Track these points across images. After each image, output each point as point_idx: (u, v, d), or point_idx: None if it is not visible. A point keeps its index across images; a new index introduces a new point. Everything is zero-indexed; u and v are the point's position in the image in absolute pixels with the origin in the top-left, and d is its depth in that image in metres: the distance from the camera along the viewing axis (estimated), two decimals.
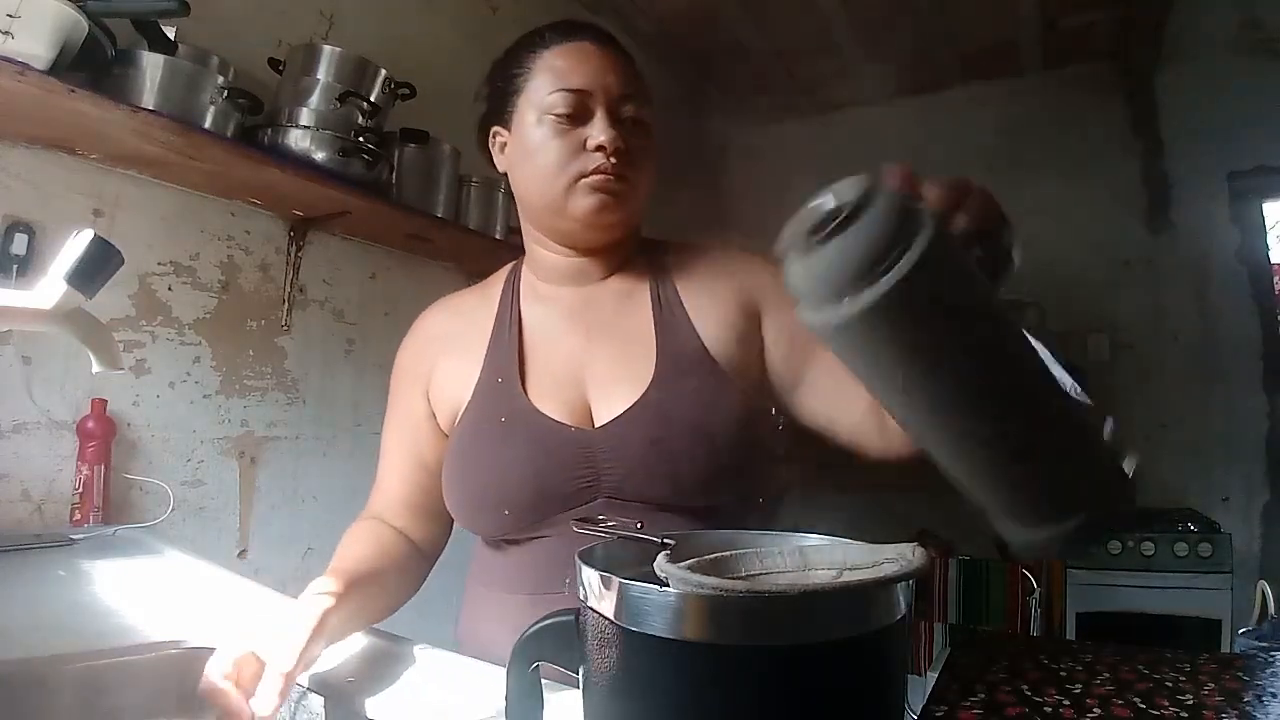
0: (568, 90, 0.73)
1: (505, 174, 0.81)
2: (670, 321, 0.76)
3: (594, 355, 0.76)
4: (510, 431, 0.73)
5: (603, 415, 0.73)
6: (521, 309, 0.81)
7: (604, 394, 0.74)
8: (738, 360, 0.75)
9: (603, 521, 0.46)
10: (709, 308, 0.77)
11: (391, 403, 0.85)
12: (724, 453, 0.70)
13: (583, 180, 0.72)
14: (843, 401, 0.74)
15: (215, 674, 0.51)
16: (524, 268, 0.85)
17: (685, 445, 0.69)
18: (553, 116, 0.73)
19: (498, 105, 0.80)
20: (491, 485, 0.72)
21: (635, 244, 0.84)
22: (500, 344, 0.78)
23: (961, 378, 0.39)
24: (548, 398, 0.74)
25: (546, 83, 0.74)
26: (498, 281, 0.86)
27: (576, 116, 0.73)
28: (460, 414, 0.78)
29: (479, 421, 0.75)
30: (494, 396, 0.75)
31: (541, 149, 0.73)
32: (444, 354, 0.82)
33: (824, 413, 0.77)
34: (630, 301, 0.79)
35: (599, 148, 0.71)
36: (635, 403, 0.71)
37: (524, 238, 0.84)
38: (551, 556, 0.70)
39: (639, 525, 0.45)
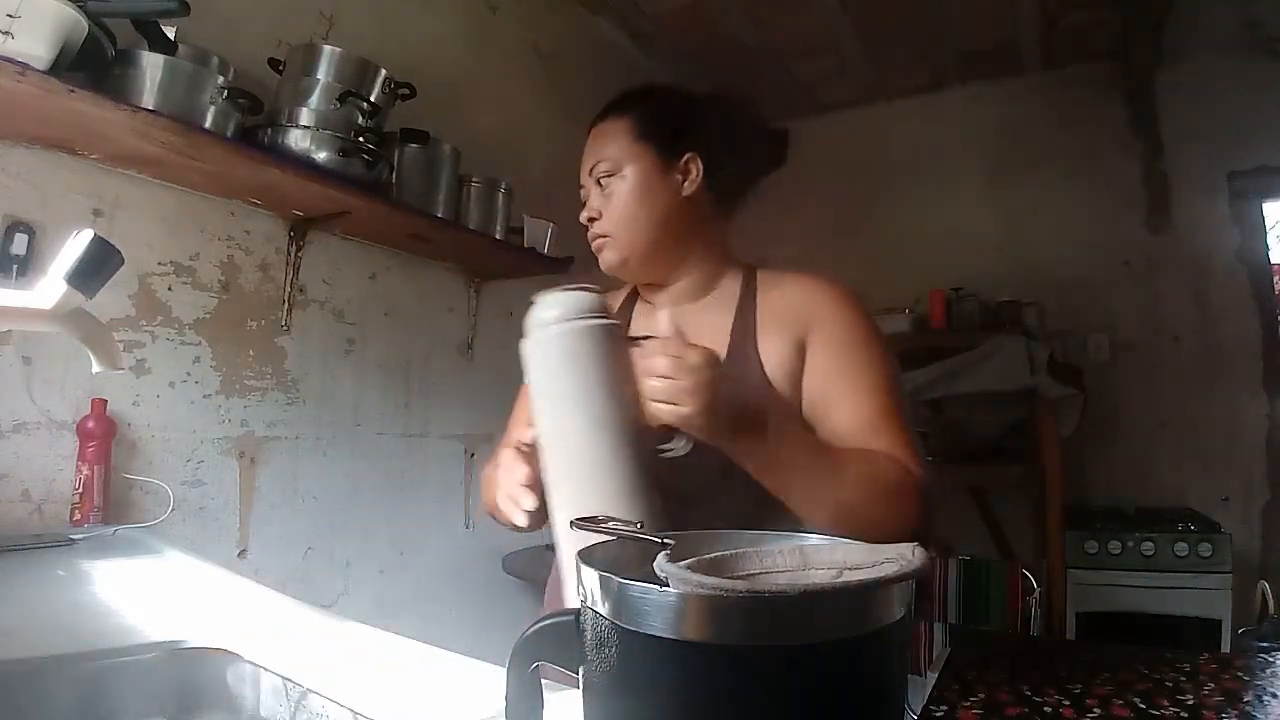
0: (580, 181, 0.94)
1: None
2: (741, 347, 0.87)
3: None
4: None
5: None
6: (633, 317, 0.98)
7: None
8: (786, 390, 0.85)
9: (603, 522, 0.46)
10: (774, 342, 0.87)
11: (522, 396, 0.98)
12: None
13: (592, 246, 0.93)
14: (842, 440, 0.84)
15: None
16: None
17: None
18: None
19: None
20: None
21: (710, 268, 0.95)
22: None
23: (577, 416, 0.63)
24: None
25: None
26: (619, 295, 1.02)
27: (585, 198, 0.93)
28: None
29: None
30: None
31: None
32: None
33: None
34: (714, 324, 0.90)
35: (586, 221, 0.93)
36: None
37: None
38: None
39: (638, 525, 0.45)
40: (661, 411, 0.63)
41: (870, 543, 0.63)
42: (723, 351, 0.85)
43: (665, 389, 0.63)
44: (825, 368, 0.84)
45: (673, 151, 0.90)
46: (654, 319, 0.90)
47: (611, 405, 0.63)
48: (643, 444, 0.64)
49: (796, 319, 0.87)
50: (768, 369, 0.85)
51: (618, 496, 0.62)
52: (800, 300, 0.89)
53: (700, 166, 0.91)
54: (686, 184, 0.91)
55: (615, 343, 0.65)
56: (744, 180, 0.99)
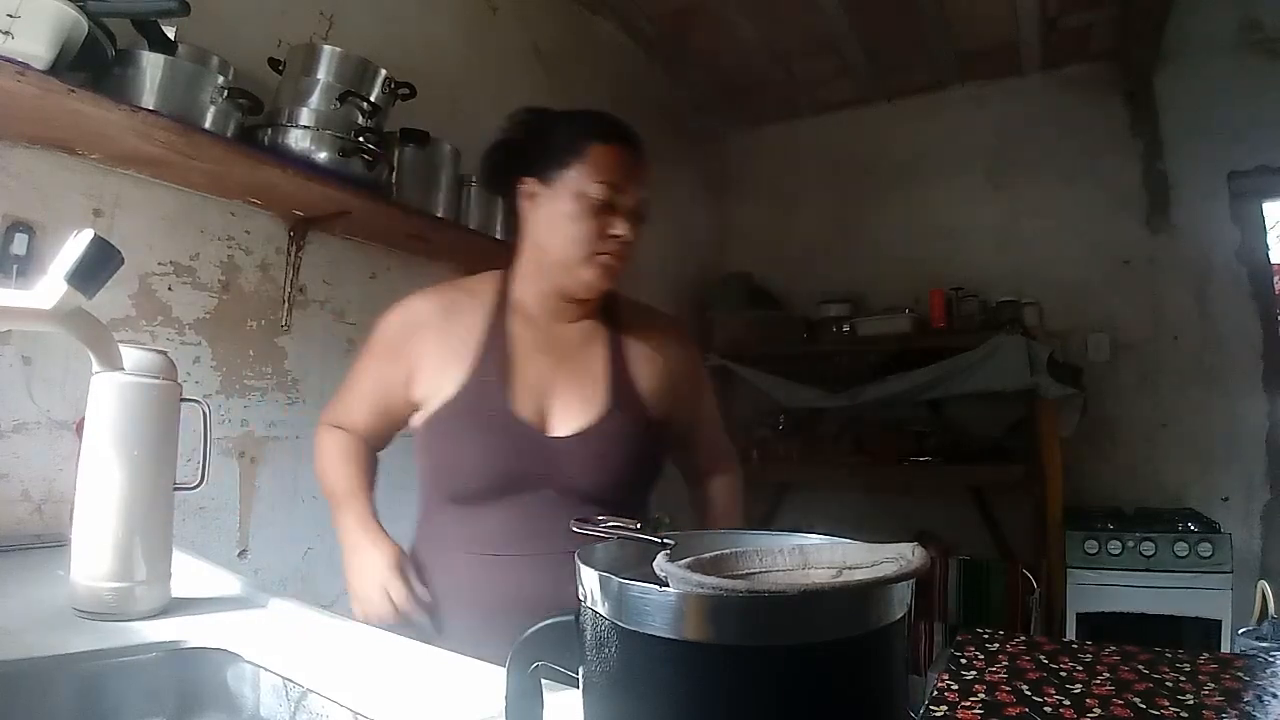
0: (608, 184, 0.93)
1: (519, 215, 1.01)
2: (620, 372, 1.00)
3: (557, 379, 0.98)
4: (494, 425, 0.93)
5: (560, 428, 0.95)
6: (508, 325, 1.00)
7: (564, 413, 0.96)
8: (656, 409, 1.02)
9: (602, 522, 0.46)
10: (647, 370, 1.02)
11: (371, 357, 1.04)
12: (639, 469, 0.99)
13: (599, 256, 0.95)
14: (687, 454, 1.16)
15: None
16: (514, 288, 1.03)
17: (619, 462, 0.95)
18: (590, 200, 0.93)
19: (538, 164, 0.98)
20: (470, 460, 0.93)
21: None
22: (492, 352, 0.97)
23: None
24: (521, 403, 0.95)
25: (592, 173, 0.94)
26: (487, 289, 1.04)
27: (606, 206, 0.94)
28: (449, 398, 0.95)
29: (468, 412, 0.94)
30: (482, 394, 0.95)
31: (574, 223, 0.94)
32: (434, 346, 0.98)
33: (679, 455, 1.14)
34: (591, 345, 1.02)
35: (617, 236, 0.94)
36: (590, 426, 0.95)
37: (521, 267, 1.03)
38: (500, 524, 0.92)
39: (638, 525, 0.45)
40: None
41: None
42: (604, 363, 1.01)
43: None
44: (687, 397, 1.09)
45: None
46: (541, 331, 1.01)
47: (152, 445, 0.79)
48: (168, 480, 0.82)
49: (663, 353, 1.07)
50: (640, 385, 1.02)
51: (140, 514, 0.78)
52: (664, 340, 1.09)
53: None
54: None
55: (166, 400, 0.82)
56: None
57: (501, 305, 1.01)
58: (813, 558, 0.41)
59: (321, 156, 1.44)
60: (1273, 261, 2.73)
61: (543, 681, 0.41)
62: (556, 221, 0.95)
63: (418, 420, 0.99)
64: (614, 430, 0.95)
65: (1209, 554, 2.24)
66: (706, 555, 0.40)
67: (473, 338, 0.98)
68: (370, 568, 0.94)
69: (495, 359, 0.97)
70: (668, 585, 0.35)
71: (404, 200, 1.71)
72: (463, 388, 0.95)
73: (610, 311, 1.05)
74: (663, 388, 1.03)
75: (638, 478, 0.99)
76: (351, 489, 1.02)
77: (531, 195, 0.99)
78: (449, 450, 0.95)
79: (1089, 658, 0.86)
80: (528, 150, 1.00)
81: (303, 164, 1.43)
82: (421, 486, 1.01)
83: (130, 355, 0.77)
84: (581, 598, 0.38)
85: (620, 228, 0.94)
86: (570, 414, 0.96)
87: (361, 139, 1.48)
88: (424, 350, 0.98)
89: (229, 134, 1.35)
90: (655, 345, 1.05)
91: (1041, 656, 0.86)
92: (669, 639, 0.33)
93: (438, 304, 1.01)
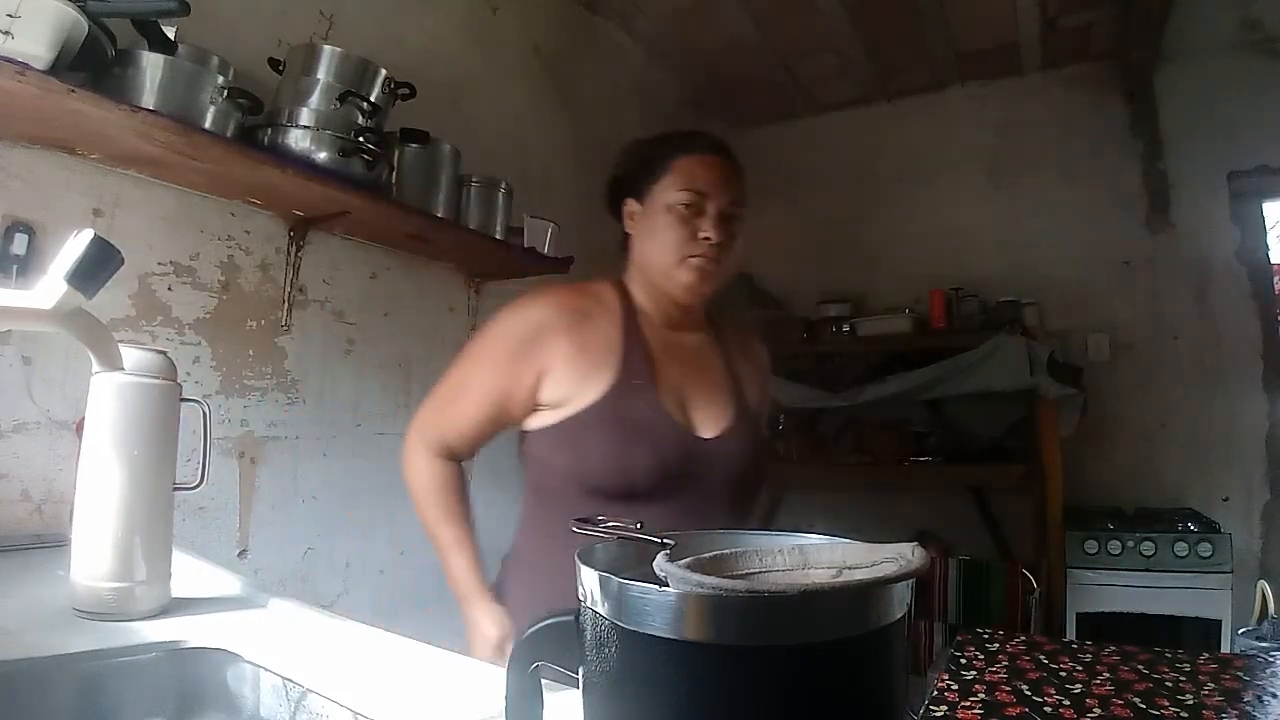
0: (692, 191, 1.00)
1: (627, 234, 1.08)
2: (734, 380, 1.10)
3: (688, 384, 1.04)
4: (654, 424, 0.97)
5: (705, 431, 1.01)
6: (643, 332, 1.05)
7: (703, 417, 1.02)
8: (759, 418, 1.13)
9: (603, 522, 0.46)
10: (749, 378, 1.12)
11: (492, 360, 1.03)
12: (762, 473, 1.09)
13: (690, 259, 1.00)
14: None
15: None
16: (635, 299, 1.08)
17: (752, 461, 1.04)
18: (676, 209, 1.00)
19: (634, 184, 1.06)
20: (631, 459, 0.95)
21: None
22: (633, 356, 1.02)
23: None
24: (669, 406, 1.00)
25: (677, 182, 1.01)
26: (611, 296, 1.07)
27: (693, 212, 1.00)
28: (597, 399, 0.98)
29: (622, 411, 0.97)
30: (636, 395, 0.99)
31: (665, 231, 1.01)
32: (568, 348, 1.00)
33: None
34: (707, 355, 1.10)
35: (706, 239, 1.00)
36: (727, 429, 1.02)
37: (633, 279, 1.09)
38: (655, 521, 0.89)
39: (638, 525, 0.45)
40: None
41: None
42: (721, 371, 1.10)
43: None
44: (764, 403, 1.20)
45: None
46: (665, 340, 1.06)
47: (153, 445, 0.79)
48: (168, 480, 0.82)
49: (758, 363, 1.19)
50: (747, 392, 1.11)
51: (140, 514, 0.78)
52: (757, 351, 1.21)
53: None
54: None
55: (166, 400, 0.82)
56: None
57: (631, 312, 1.06)
58: (813, 558, 0.40)
59: (321, 156, 1.44)
60: (1273, 261, 2.73)
61: (543, 681, 0.41)
62: (650, 233, 1.03)
63: (544, 420, 1.01)
64: (744, 435, 1.04)
65: (1209, 554, 2.24)
66: (706, 555, 0.40)
67: (612, 342, 1.02)
68: (483, 635, 1.01)
69: (639, 363, 1.01)
70: (668, 585, 0.35)
71: (404, 200, 1.71)
72: (611, 389, 0.98)
73: (715, 326, 1.14)
74: (758, 398, 1.13)
75: (761, 480, 1.09)
76: (459, 539, 1.05)
77: (632, 215, 1.07)
78: (602, 447, 0.96)
79: (1089, 658, 0.86)
80: (628, 176, 1.08)
81: (303, 164, 1.42)
82: (548, 481, 1.03)
83: (130, 355, 0.76)
84: (581, 598, 0.38)
85: (708, 230, 0.99)
86: (709, 418, 1.02)
87: (361, 139, 1.48)
88: (556, 352, 1.00)
89: (229, 134, 1.35)
90: (752, 359, 1.16)
91: (1041, 656, 0.86)
92: (669, 639, 0.33)
93: (565, 308, 1.03)
